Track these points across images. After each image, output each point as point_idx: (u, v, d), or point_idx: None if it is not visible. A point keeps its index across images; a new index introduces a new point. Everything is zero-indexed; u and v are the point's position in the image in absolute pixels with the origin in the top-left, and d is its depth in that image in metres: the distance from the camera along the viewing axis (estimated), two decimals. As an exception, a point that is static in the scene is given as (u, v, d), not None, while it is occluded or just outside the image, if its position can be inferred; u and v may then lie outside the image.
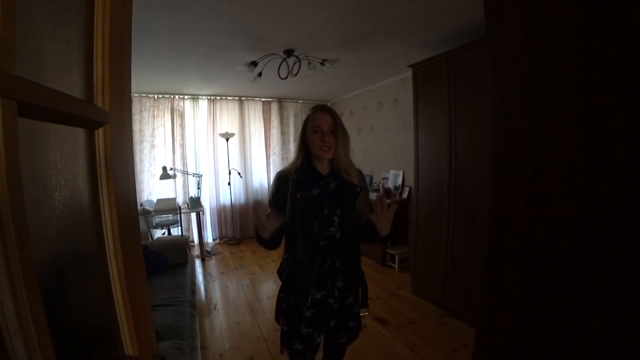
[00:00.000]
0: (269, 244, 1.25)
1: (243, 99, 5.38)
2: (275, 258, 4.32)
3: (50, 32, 0.43)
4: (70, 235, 0.47)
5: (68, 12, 0.48)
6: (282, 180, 1.28)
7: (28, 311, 0.34)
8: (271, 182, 1.39)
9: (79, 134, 0.50)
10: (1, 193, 0.31)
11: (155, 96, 4.74)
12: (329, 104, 5.98)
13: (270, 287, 3.54)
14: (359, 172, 1.34)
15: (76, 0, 0.51)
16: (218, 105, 5.21)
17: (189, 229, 5.13)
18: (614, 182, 0.68)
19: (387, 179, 4.30)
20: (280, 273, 1.37)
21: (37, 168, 0.39)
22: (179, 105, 4.94)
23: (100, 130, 0.54)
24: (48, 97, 0.39)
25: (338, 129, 1.22)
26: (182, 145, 4.99)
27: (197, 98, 5.05)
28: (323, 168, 1.29)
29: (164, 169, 4.37)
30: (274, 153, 5.71)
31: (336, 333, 1.34)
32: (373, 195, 3.99)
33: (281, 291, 1.35)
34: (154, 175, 4.78)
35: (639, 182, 0.63)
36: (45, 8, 0.43)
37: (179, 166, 4.93)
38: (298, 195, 1.21)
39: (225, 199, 5.33)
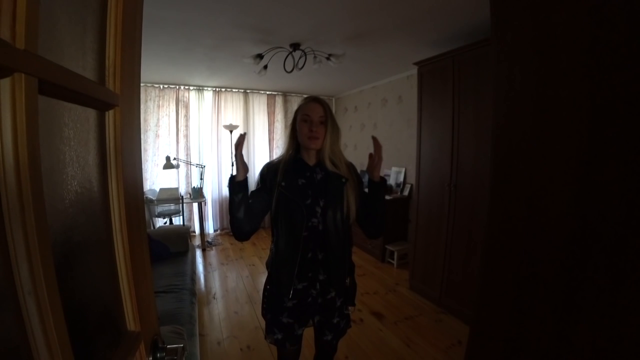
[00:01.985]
0: (239, 220, 1.20)
1: (248, 91, 5.39)
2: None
3: (68, 15, 0.45)
4: (80, 210, 0.50)
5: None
6: (271, 169, 1.28)
7: (42, 275, 0.37)
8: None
9: (91, 114, 0.52)
10: (22, 163, 0.33)
11: (161, 86, 4.76)
12: (333, 99, 5.98)
13: (269, 279, 3.58)
14: (350, 165, 1.34)
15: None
16: (223, 97, 5.23)
17: (191, 219, 5.18)
18: (613, 188, 0.69)
19: (388, 175, 4.32)
20: (267, 264, 1.39)
21: (53, 143, 0.42)
22: (184, 96, 4.96)
23: (111, 112, 0.57)
24: (65, 77, 0.41)
25: (328, 121, 1.22)
26: (186, 136, 5.03)
27: (203, 89, 5.07)
28: (310, 159, 1.28)
29: (168, 158, 4.40)
30: (277, 147, 5.74)
31: (320, 329, 1.35)
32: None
33: (267, 282, 1.36)
34: (157, 164, 4.83)
35: (636, 190, 0.64)
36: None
37: (182, 156, 4.97)
38: (283, 184, 1.22)
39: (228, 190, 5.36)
